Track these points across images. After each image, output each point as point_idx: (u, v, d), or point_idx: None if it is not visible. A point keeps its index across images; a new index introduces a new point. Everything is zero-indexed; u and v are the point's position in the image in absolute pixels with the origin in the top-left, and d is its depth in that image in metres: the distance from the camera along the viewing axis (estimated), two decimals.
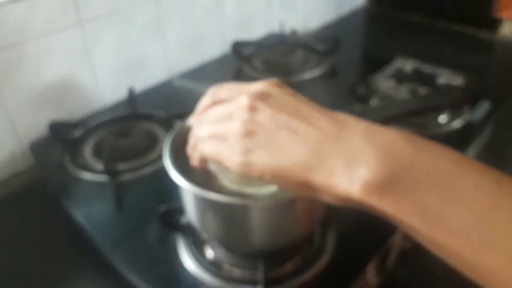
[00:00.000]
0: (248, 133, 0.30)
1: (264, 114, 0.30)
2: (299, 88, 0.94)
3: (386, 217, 0.27)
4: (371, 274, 0.53)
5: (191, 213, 0.46)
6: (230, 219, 0.43)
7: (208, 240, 0.53)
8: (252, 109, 0.30)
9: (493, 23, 1.18)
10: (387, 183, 0.26)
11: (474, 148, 0.72)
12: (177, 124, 0.50)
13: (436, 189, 0.26)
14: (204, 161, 0.36)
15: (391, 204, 0.26)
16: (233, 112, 0.31)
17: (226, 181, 0.43)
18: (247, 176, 0.31)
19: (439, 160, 0.27)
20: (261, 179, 0.30)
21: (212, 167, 0.43)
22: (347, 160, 0.27)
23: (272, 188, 0.43)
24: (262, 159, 0.29)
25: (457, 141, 0.68)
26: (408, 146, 0.27)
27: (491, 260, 0.24)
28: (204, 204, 0.43)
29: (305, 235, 0.49)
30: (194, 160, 0.37)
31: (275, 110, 0.30)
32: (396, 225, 0.28)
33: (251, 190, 0.43)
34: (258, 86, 0.32)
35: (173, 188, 0.57)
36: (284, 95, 0.31)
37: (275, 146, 0.29)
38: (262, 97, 0.31)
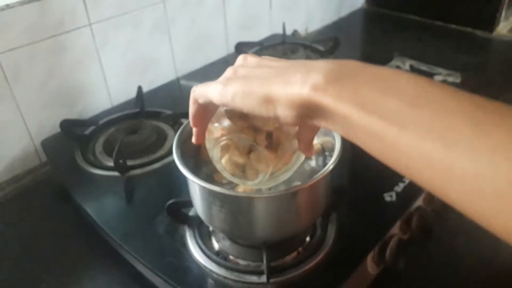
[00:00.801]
0: (234, 72, 0.36)
1: (250, 60, 0.37)
2: None
3: (330, 115, 0.29)
4: (370, 264, 0.55)
5: (197, 205, 0.49)
6: (234, 211, 0.45)
7: (214, 231, 0.55)
8: (241, 60, 0.38)
9: (489, 23, 1.20)
10: (332, 81, 0.29)
11: None
12: (184, 122, 0.52)
13: (374, 83, 0.29)
14: (195, 104, 0.40)
15: (333, 99, 0.29)
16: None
17: (219, 168, 0.45)
18: (224, 104, 0.35)
19: (383, 69, 0.30)
20: (233, 102, 0.34)
21: (210, 153, 0.44)
22: (303, 72, 0.31)
23: (258, 180, 0.44)
24: (236, 84, 0.34)
25: None
26: (361, 64, 0.31)
27: (423, 144, 0.25)
28: (209, 196, 0.45)
29: (307, 227, 0.50)
30: (190, 110, 0.41)
31: (260, 59, 0.37)
32: (341, 130, 0.30)
33: (238, 180, 0.44)
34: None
35: (181, 183, 0.60)
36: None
37: (251, 76, 0.34)
38: (250, 55, 0.38)
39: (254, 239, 0.50)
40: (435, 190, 0.26)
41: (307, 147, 0.41)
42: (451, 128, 0.24)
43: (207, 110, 0.40)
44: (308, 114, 0.31)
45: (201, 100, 0.38)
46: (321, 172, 0.44)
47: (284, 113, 0.31)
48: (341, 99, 0.28)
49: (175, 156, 0.46)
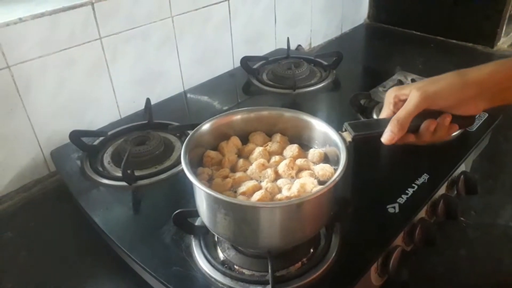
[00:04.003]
0: None
1: None
2: (304, 99, 0.98)
3: None
4: (374, 275, 0.55)
5: (203, 212, 0.50)
6: (238, 219, 0.46)
7: (219, 241, 0.56)
8: None
9: (490, 38, 1.21)
10: None
11: (472, 156, 0.75)
12: (190, 133, 0.53)
13: None
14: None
15: None
16: None
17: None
18: None
19: None
20: None
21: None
22: None
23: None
24: None
25: (456, 149, 0.70)
26: None
27: None
28: (214, 204, 0.46)
29: (311, 236, 0.51)
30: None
31: None
32: None
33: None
34: None
35: (187, 193, 0.61)
36: None
37: None
38: None
39: (257, 248, 0.51)
40: None
41: None
42: None
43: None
44: None
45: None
46: (327, 184, 0.45)
47: None
48: None
49: (184, 166, 0.47)
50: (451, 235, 0.66)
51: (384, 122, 0.52)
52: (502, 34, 1.24)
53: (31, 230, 0.67)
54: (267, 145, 0.57)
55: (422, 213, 0.62)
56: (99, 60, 0.81)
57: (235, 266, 0.53)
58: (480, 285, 0.59)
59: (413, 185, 0.63)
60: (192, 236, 0.56)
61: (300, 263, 0.52)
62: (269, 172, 0.52)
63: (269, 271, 0.49)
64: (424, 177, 0.64)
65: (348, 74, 1.01)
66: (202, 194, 0.48)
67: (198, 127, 0.54)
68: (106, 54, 0.82)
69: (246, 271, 0.52)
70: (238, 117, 0.58)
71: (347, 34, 1.40)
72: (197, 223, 0.57)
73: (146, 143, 0.73)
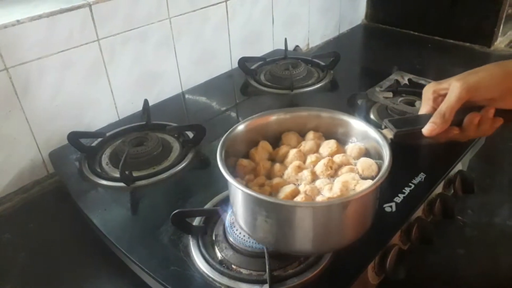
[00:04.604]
0: None
1: None
2: (302, 100, 0.98)
3: None
4: (371, 274, 0.55)
5: (240, 216, 0.48)
6: (280, 220, 0.44)
7: (217, 241, 0.56)
8: None
9: (488, 37, 1.22)
10: None
11: (469, 155, 0.75)
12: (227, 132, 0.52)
13: None
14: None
15: None
16: None
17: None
18: None
19: None
20: None
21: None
22: None
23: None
24: None
25: (452, 148, 0.70)
26: None
27: None
28: (256, 207, 0.45)
29: (356, 238, 0.49)
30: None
31: None
32: None
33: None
34: None
35: (186, 194, 0.61)
36: None
37: None
38: None
39: (295, 250, 0.49)
40: None
41: None
42: None
43: None
44: None
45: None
46: (376, 178, 0.45)
47: None
48: None
49: (220, 166, 0.46)
50: (448, 234, 0.67)
51: (425, 118, 0.51)
52: (499, 34, 1.24)
53: (30, 231, 0.68)
54: (301, 145, 0.55)
55: (419, 212, 0.63)
56: (97, 62, 0.81)
57: (232, 266, 0.53)
58: (477, 284, 0.59)
59: (410, 184, 0.63)
60: (190, 236, 0.56)
61: (297, 262, 0.52)
62: (306, 173, 0.50)
63: (267, 270, 0.49)
64: (421, 176, 0.65)
65: (346, 75, 1.01)
66: (239, 195, 0.46)
67: (229, 132, 0.52)
68: (104, 56, 0.82)
69: (243, 271, 0.52)
70: (270, 119, 0.56)
71: (344, 34, 1.40)
72: (195, 223, 0.58)
73: (144, 144, 0.73)
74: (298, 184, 0.50)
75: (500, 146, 0.86)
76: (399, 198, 0.61)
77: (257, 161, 0.54)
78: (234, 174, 0.47)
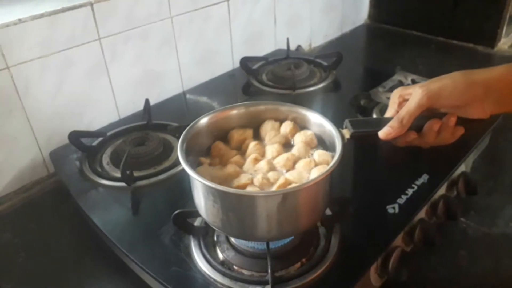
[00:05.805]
0: None
1: None
2: (304, 100, 0.98)
3: None
4: (373, 276, 0.55)
5: (199, 204, 0.50)
6: (236, 208, 0.46)
7: (219, 241, 0.56)
8: None
9: (491, 38, 1.22)
10: None
11: (472, 156, 0.75)
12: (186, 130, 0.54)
13: None
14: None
15: None
16: None
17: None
18: None
19: None
20: None
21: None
22: None
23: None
24: None
25: (455, 149, 0.70)
26: None
27: None
28: (211, 194, 0.46)
29: (307, 228, 0.51)
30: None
31: None
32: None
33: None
34: None
35: (187, 193, 0.60)
36: None
37: None
38: None
39: (252, 237, 0.50)
40: None
41: None
42: None
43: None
44: None
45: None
46: (321, 173, 0.46)
47: None
48: None
49: (180, 158, 0.48)
50: (451, 236, 0.66)
51: (386, 121, 0.52)
52: (503, 35, 1.24)
53: (30, 231, 0.68)
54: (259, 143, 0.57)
55: (422, 214, 0.62)
56: (98, 61, 0.81)
57: (234, 267, 0.53)
58: (480, 286, 0.59)
59: (413, 185, 0.63)
60: (191, 236, 0.56)
61: (299, 263, 0.52)
62: (262, 164, 0.53)
63: (269, 271, 0.49)
64: (424, 178, 0.64)
65: (348, 75, 1.01)
66: (193, 181, 0.49)
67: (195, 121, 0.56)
68: (105, 55, 0.82)
69: (245, 272, 0.52)
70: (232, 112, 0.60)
71: (347, 34, 1.40)
72: (197, 223, 0.57)
73: (145, 144, 0.73)
74: (254, 175, 0.52)
75: (503, 147, 0.85)
76: (402, 200, 0.61)
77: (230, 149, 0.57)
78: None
